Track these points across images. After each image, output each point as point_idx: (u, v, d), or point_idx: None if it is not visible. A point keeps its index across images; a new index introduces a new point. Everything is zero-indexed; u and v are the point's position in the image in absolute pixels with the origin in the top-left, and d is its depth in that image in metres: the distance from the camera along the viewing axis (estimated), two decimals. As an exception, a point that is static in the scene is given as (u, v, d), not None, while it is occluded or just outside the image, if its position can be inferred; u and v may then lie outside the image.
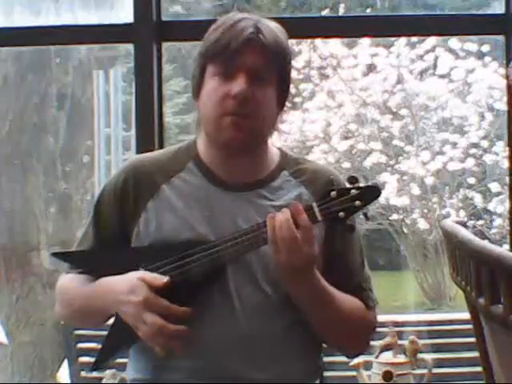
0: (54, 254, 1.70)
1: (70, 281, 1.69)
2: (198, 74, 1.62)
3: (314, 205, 1.51)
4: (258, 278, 1.57)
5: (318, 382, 1.68)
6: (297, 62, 5.77)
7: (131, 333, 1.55)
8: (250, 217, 1.59)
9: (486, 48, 5.57)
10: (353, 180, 1.53)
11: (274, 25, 1.63)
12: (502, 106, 5.24)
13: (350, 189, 1.52)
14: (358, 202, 1.51)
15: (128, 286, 1.53)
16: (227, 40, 1.57)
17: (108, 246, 1.66)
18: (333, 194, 1.51)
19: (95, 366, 1.66)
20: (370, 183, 1.56)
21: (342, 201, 1.51)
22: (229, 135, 1.58)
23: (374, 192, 1.53)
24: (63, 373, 2.85)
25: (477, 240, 1.33)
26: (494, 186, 5.57)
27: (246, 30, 1.57)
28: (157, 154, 1.75)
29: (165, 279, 1.52)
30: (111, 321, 1.63)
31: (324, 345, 1.69)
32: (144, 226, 1.61)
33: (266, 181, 1.65)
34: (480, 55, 5.62)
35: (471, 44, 5.59)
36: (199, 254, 1.54)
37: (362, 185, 1.52)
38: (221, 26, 1.60)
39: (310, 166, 1.70)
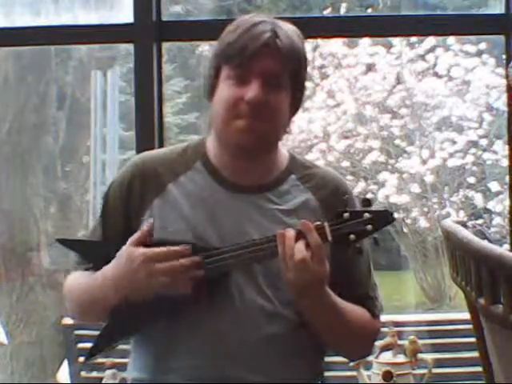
0: (59, 240, 1.68)
1: (74, 278, 1.68)
2: (212, 75, 1.60)
3: (326, 225, 1.50)
4: (261, 283, 1.57)
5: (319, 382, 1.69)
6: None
7: (128, 323, 1.56)
8: (255, 220, 1.58)
9: (483, 46, 5.57)
10: (366, 203, 1.52)
11: (291, 28, 1.61)
12: (502, 105, 5.24)
13: (363, 212, 1.51)
14: (369, 227, 1.50)
15: (124, 260, 1.53)
16: (244, 43, 1.55)
17: (115, 242, 1.64)
18: (346, 215, 1.50)
19: (90, 355, 1.65)
20: (383, 208, 1.56)
21: (354, 224, 1.50)
22: (240, 138, 1.56)
23: (386, 217, 1.52)
24: (63, 373, 2.85)
25: (477, 240, 1.34)
26: (494, 186, 5.57)
27: (263, 34, 1.55)
28: (165, 151, 1.73)
29: (145, 229, 1.54)
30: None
31: (327, 348, 1.69)
32: None
33: (274, 184, 1.64)
34: (478, 54, 5.62)
35: (470, 42, 5.59)
36: (205, 260, 1.52)
37: (375, 209, 1.51)
38: (238, 27, 1.58)
39: (319, 171, 1.69)
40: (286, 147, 1.73)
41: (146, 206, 1.62)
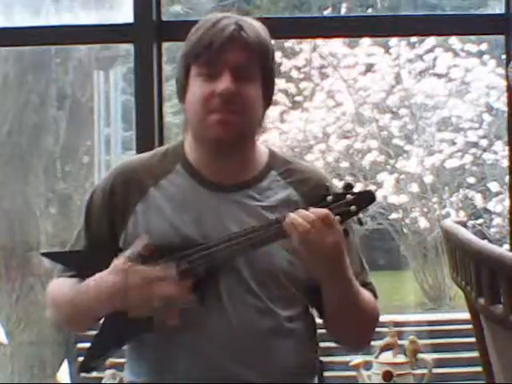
0: (43, 254, 1.70)
1: (59, 285, 1.69)
2: (182, 76, 1.62)
3: (310, 209, 1.50)
4: (247, 278, 1.57)
5: (316, 381, 1.68)
6: (297, 61, 5.78)
7: (119, 333, 1.56)
8: (238, 218, 1.59)
9: (484, 47, 5.57)
10: (348, 186, 1.54)
11: (255, 22, 1.63)
12: (501, 105, 5.25)
13: (345, 194, 1.53)
14: (353, 207, 1.52)
15: (118, 276, 1.53)
16: (209, 39, 1.57)
17: (100, 249, 1.65)
18: (329, 198, 1.52)
19: (82, 368, 1.66)
20: (364, 189, 1.58)
21: (337, 206, 1.52)
22: (216, 132, 1.57)
23: (368, 197, 1.55)
24: (63, 373, 2.85)
25: (477, 240, 1.34)
26: (494, 186, 5.57)
27: (227, 28, 1.57)
28: (145, 156, 1.74)
29: (141, 246, 1.54)
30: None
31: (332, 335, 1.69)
32: (132, 229, 1.62)
33: (254, 181, 1.65)
34: (478, 54, 5.63)
35: (470, 43, 5.59)
36: (192, 257, 1.53)
37: (357, 190, 1.54)
38: (202, 26, 1.60)
39: (300, 166, 1.70)
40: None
41: (128, 212, 1.63)
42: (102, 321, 1.61)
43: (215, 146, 1.61)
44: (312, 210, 1.49)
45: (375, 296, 1.68)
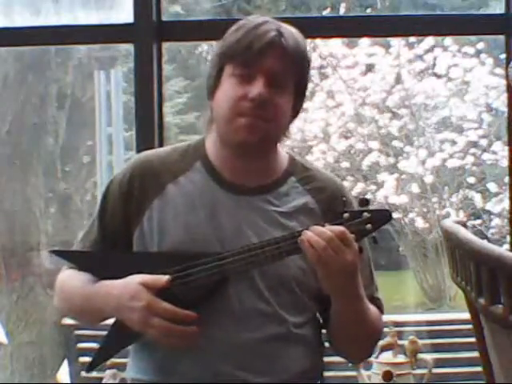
0: (53, 252, 1.68)
1: (70, 277, 1.66)
2: (214, 74, 1.60)
3: (327, 225, 1.50)
4: (258, 284, 1.56)
5: (318, 382, 1.69)
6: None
7: (130, 335, 1.54)
8: (254, 222, 1.58)
9: (482, 46, 5.57)
10: (364, 202, 1.53)
11: (295, 31, 1.61)
12: (501, 105, 5.25)
13: (362, 211, 1.52)
14: (369, 226, 1.51)
15: (129, 292, 1.51)
16: (249, 41, 1.55)
17: (112, 242, 1.64)
18: (346, 215, 1.51)
19: (92, 367, 1.65)
20: (381, 207, 1.58)
21: (353, 223, 1.50)
22: (243, 136, 1.56)
23: (385, 216, 1.53)
24: (63, 373, 2.85)
25: (477, 240, 1.34)
26: (494, 186, 5.57)
27: (268, 33, 1.55)
28: (165, 150, 1.72)
29: (165, 279, 1.50)
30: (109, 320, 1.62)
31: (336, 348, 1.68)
32: (147, 224, 1.60)
33: (273, 186, 1.63)
34: (477, 54, 5.63)
35: (469, 42, 5.59)
36: (207, 266, 1.52)
37: (373, 208, 1.52)
38: (242, 27, 1.58)
39: (318, 174, 1.69)
40: (286, 148, 1.73)
41: (145, 206, 1.61)
42: (112, 321, 1.60)
43: (239, 149, 1.59)
44: (328, 226, 1.48)
45: (381, 311, 1.67)
